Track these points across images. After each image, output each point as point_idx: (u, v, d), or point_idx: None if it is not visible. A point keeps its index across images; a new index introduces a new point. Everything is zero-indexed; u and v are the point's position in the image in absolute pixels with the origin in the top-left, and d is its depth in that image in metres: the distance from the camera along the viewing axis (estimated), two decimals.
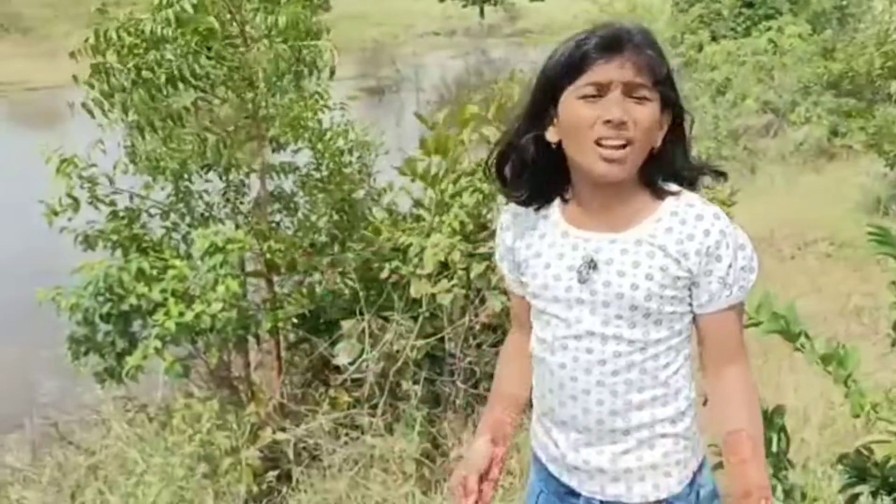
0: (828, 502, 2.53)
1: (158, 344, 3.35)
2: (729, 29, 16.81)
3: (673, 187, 1.55)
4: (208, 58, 3.29)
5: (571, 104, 1.48)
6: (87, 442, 4.29)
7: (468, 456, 1.76)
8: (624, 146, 1.45)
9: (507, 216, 1.70)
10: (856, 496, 2.00)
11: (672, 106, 1.51)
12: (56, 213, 3.49)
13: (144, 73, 3.22)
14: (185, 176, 3.64)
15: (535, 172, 1.59)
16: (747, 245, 1.55)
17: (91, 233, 3.58)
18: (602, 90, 1.45)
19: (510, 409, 1.78)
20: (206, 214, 3.84)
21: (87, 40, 3.14)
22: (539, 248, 1.63)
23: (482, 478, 1.70)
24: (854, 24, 15.28)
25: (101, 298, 3.38)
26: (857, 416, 1.76)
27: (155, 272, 3.40)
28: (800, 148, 11.29)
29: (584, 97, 1.46)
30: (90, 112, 3.25)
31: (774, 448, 1.97)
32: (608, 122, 1.44)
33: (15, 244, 7.82)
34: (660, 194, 1.54)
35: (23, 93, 20.56)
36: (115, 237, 3.59)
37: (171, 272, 3.39)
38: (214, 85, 3.42)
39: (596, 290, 1.54)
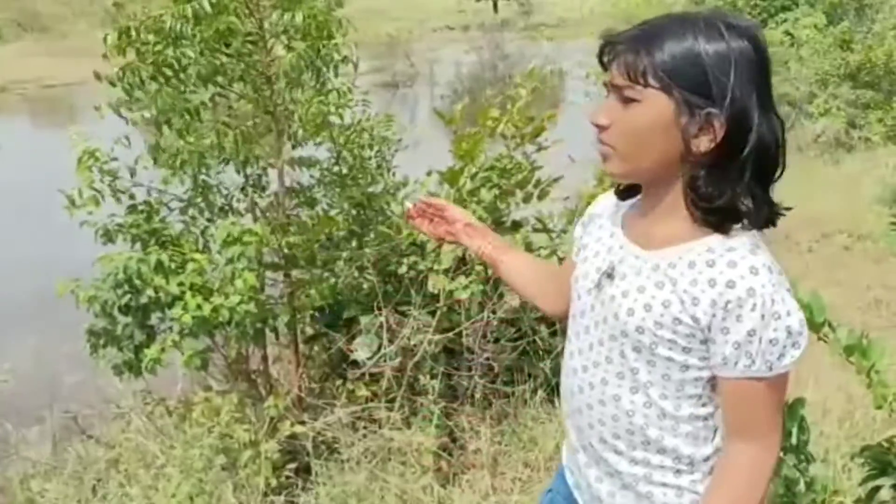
0: (848, 495, 2.52)
1: (176, 337, 3.38)
2: None
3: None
4: (227, 55, 3.30)
5: None
6: (107, 435, 4.32)
7: None
8: (607, 145, 1.41)
9: (596, 203, 1.65)
10: (876, 489, 1.99)
11: (699, 108, 1.30)
12: (74, 204, 3.51)
13: (164, 70, 3.24)
14: (204, 170, 3.66)
15: None
16: (787, 317, 1.31)
17: (111, 227, 3.61)
18: (608, 91, 1.41)
19: (502, 250, 1.86)
20: (226, 208, 3.86)
21: (105, 37, 3.15)
22: (592, 238, 1.58)
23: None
24: (872, 14, 15.15)
25: (119, 290, 3.41)
26: (880, 407, 1.75)
27: (174, 265, 3.42)
28: (817, 140, 11.24)
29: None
30: (116, 110, 3.27)
31: (794, 440, 1.96)
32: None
33: (34, 238, 7.87)
34: (705, 223, 1.36)
35: (40, 90, 20.67)
36: (134, 231, 3.61)
37: (190, 265, 3.41)
38: (232, 81, 3.44)
39: (603, 302, 1.46)
